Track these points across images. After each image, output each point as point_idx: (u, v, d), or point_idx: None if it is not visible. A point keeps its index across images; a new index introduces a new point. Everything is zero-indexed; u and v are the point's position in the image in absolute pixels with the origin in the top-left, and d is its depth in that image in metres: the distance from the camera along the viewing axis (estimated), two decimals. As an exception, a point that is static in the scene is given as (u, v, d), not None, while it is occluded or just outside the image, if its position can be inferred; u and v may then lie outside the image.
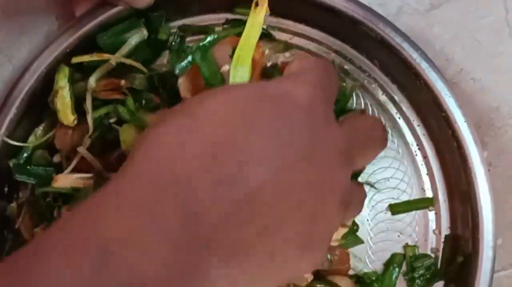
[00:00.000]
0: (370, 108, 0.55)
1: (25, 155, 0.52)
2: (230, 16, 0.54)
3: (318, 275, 0.51)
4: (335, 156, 0.34)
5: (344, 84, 0.54)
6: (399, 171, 0.55)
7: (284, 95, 0.34)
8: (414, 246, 0.54)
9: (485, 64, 0.56)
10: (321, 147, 0.33)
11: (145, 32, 0.51)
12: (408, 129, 0.55)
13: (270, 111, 0.33)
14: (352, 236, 0.52)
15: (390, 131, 0.55)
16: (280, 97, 0.34)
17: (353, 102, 0.55)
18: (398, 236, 0.54)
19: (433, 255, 0.54)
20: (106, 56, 0.49)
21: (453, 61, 0.56)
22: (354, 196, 0.39)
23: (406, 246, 0.54)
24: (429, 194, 0.55)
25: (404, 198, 0.55)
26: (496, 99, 0.56)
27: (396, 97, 0.55)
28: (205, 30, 0.54)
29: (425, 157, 0.55)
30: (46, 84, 0.51)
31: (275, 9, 0.53)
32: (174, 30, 0.54)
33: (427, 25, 0.56)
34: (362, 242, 0.53)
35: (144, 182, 0.30)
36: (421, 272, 0.53)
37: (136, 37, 0.51)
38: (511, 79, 0.56)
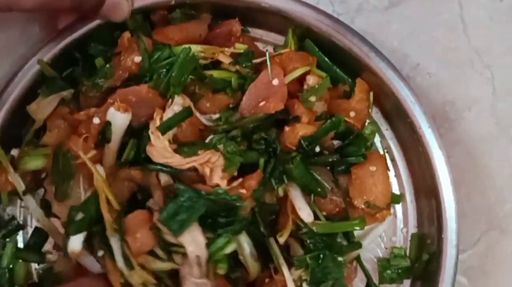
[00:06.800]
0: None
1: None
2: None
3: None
4: None
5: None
6: (368, 172, 0.57)
7: None
8: (401, 247, 0.56)
9: (440, 59, 0.58)
10: None
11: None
12: (377, 133, 0.57)
13: None
14: None
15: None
16: None
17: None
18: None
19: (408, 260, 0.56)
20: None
21: (410, 57, 0.58)
22: None
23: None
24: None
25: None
26: (451, 93, 0.58)
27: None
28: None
29: (393, 160, 0.57)
30: (29, 96, 0.53)
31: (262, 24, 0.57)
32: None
33: (386, 22, 0.59)
34: None
35: None
36: (393, 269, 0.56)
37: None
38: (465, 73, 0.58)
